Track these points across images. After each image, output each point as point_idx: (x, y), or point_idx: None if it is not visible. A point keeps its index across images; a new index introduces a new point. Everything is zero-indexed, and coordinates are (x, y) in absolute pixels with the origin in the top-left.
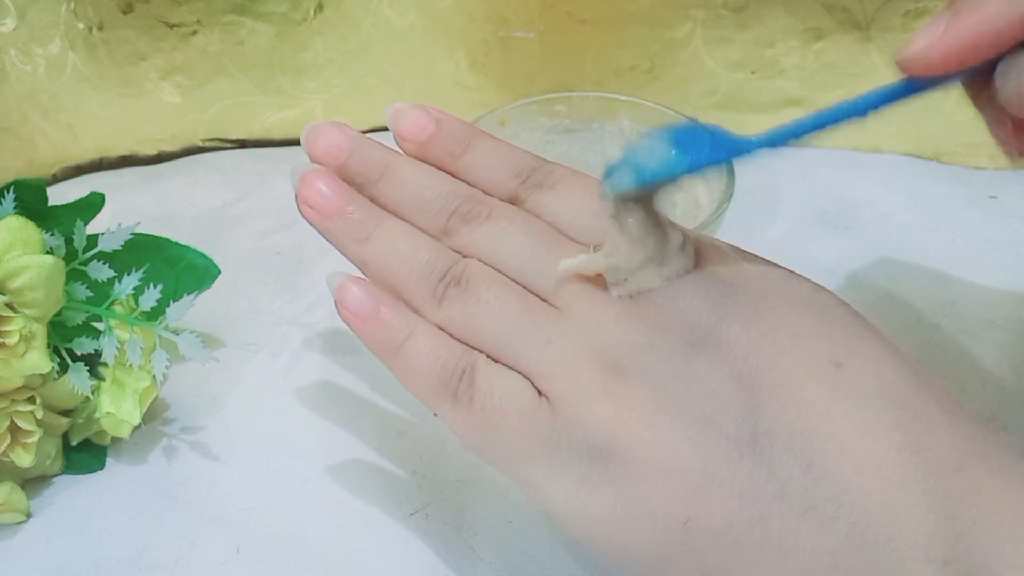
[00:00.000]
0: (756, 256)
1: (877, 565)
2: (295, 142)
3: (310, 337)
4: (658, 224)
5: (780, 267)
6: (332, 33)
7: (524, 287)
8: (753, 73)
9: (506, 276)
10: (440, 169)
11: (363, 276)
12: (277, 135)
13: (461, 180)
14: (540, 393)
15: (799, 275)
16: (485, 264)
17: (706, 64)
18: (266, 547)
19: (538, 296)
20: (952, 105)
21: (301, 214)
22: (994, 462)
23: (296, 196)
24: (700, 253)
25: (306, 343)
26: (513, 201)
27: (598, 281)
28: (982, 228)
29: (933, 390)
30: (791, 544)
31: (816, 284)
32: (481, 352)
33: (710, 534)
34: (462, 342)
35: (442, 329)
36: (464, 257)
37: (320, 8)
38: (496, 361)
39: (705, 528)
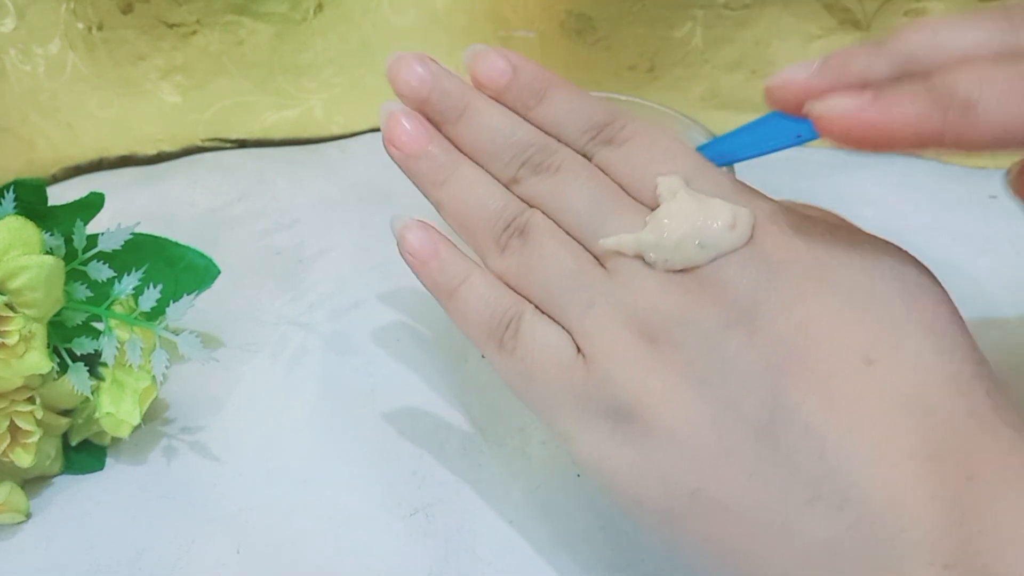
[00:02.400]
0: (821, 231)
1: (879, 559)
2: (295, 142)
3: (310, 337)
4: (710, 198)
5: (843, 244)
6: (332, 33)
7: (581, 244)
8: (753, 73)
9: (566, 232)
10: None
11: (423, 220)
12: (277, 135)
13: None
14: (579, 350)
15: (867, 254)
16: (548, 217)
17: (706, 64)
18: (266, 547)
19: (593, 254)
20: None
21: (385, 151)
22: (1013, 473)
23: (383, 135)
24: (758, 227)
25: (306, 343)
26: (584, 156)
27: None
28: (982, 228)
29: (968, 397)
30: (794, 528)
31: (887, 269)
32: (531, 303)
33: (717, 507)
34: (517, 291)
35: (501, 277)
36: (530, 208)
37: (320, 8)
38: (543, 313)
39: (713, 500)
